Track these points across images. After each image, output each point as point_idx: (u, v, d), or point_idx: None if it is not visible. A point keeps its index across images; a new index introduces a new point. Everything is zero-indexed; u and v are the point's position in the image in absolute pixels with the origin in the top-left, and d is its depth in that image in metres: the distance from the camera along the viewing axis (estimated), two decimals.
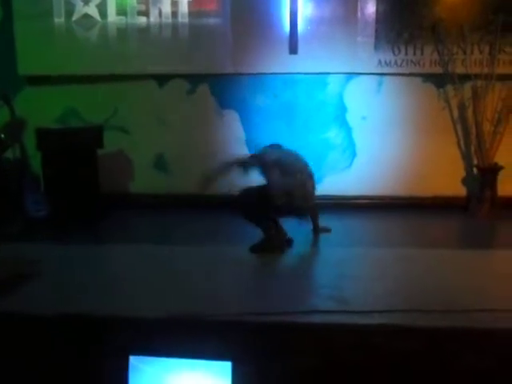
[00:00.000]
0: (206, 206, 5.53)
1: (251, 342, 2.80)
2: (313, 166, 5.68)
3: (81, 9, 5.58)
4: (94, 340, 2.88)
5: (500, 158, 5.40)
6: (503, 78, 5.35)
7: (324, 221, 4.63)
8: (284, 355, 2.82)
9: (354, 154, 5.77)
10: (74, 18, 5.60)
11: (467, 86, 5.46)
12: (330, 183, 5.75)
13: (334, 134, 5.78)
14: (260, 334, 2.86)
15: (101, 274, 3.75)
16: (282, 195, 4.04)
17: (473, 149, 5.60)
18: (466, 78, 5.43)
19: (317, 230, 4.62)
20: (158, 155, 5.88)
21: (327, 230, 4.67)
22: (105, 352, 2.78)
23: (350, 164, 5.79)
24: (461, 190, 5.71)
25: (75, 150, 4.99)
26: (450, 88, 5.54)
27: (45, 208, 4.88)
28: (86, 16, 5.60)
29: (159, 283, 3.56)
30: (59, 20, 5.60)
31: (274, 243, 4.18)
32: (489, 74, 5.32)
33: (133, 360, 2.39)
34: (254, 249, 4.15)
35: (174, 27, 5.62)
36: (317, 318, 3.02)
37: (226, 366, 2.33)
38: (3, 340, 2.94)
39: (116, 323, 2.91)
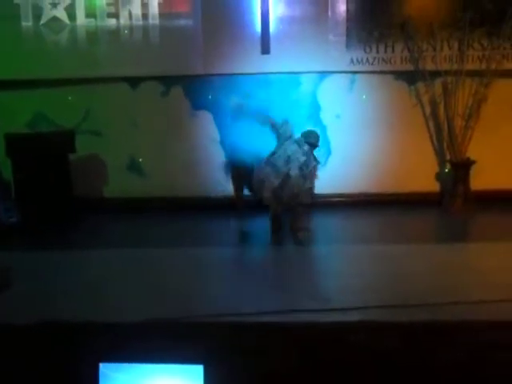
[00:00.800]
0: (180, 208, 5.50)
1: (224, 344, 2.78)
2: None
3: (49, 12, 5.50)
4: (64, 348, 2.83)
5: (472, 153, 5.47)
6: (472, 73, 5.42)
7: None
8: (258, 356, 2.80)
9: (328, 153, 5.79)
10: (42, 22, 5.52)
11: (438, 83, 5.52)
12: None
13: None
14: (232, 336, 2.84)
15: (73, 281, 3.67)
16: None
17: (445, 144, 5.67)
18: (436, 74, 5.49)
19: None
20: (131, 158, 5.82)
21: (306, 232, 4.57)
22: (74, 360, 2.72)
23: (325, 162, 5.79)
24: (434, 186, 5.77)
25: (46, 155, 4.90)
26: (421, 85, 5.60)
27: (16, 215, 4.79)
28: (55, 19, 5.52)
29: (132, 288, 3.51)
30: (27, 23, 5.52)
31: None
32: (458, 70, 5.39)
33: (103, 368, 2.33)
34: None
35: (145, 29, 5.58)
36: (293, 317, 3.01)
37: (198, 369, 2.29)
38: None
39: (86, 330, 2.86)
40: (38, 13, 5.49)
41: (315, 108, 5.75)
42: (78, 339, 2.84)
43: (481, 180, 5.48)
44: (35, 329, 2.92)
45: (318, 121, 5.77)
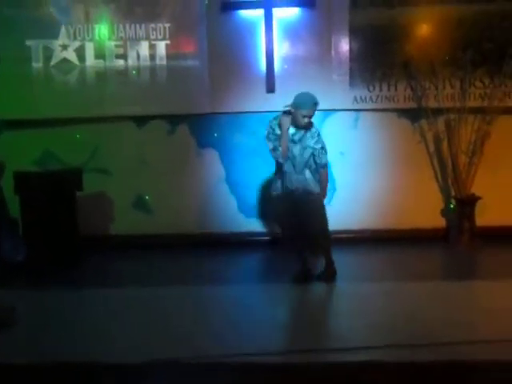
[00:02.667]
0: (186, 245, 5.51)
1: None
2: None
3: (59, 54, 5.65)
4: None
5: (476, 189, 5.49)
6: (475, 110, 5.48)
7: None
8: None
9: (333, 189, 5.81)
10: (52, 63, 5.65)
11: (441, 120, 5.59)
12: None
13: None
14: (240, 376, 2.80)
15: (79, 321, 3.67)
16: None
17: (450, 181, 5.69)
18: (439, 112, 5.56)
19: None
20: (138, 195, 5.86)
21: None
22: None
23: (330, 199, 5.82)
24: (440, 222, 5.77)
25: (54, 193, 4.94)
26: (424, 122, 5.67)
27: (23, 252, 4.80)
28: (65, 60, 5.66)
29: (137, 328, 3.50)
30: (37, 65, 5.65)
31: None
32: (461, 108, 5.46)
33: None
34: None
35: (152, 69, 5.70)
36: (302, 358, 2.99)
37: None
38: None
39: (89, 370, 2.84)
40: (48, 54, 5.63)
41: None
42: (81, 380, 2.81)
43: (486, 216, 5.48)
44: (38, 369, 2.90)
45: None
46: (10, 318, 3.57)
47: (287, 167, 4.27)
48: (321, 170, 4.35)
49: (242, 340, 3.24)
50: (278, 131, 4.23)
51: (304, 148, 4.23)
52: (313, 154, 4.26)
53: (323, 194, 4.43)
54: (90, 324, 3.59)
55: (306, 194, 4.28)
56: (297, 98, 4.14)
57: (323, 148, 4.30)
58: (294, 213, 4.27)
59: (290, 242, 4.43)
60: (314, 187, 4.32)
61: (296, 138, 4.23)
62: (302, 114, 4.09)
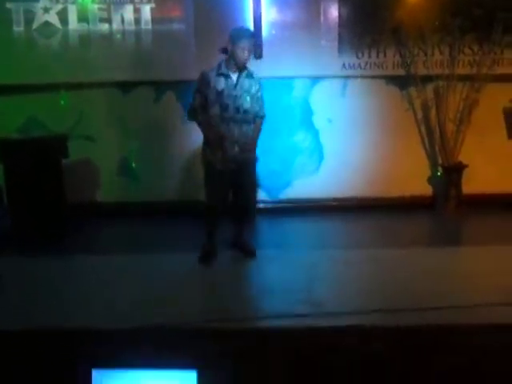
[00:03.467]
0: (172, 213, 5.50)
1: (217, 350, 2.77)
2: (281, 169, 5.78)
3: (41, 17, 5.48)
4: (56, 354, 2.81)
5: (464, 157, 5.51)
6: (463, 78, 5.46)
7: (294, 224, 4.64)
8: (251, 361, 2.80)
9: (321, 157, 5.81)
10: (34, 27, 5.50)
11: (429, 87, 5.56)
12: (299, 186, 5.78)
13: (301, 138, 5.81)
14: (225, 341, 2.83)
15: (65, 287, 3.67)
16: None
17: (437, 148, 5.71)
18: (428, 79, 5.53)
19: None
20: (124, 163, 5.81)
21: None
22: (67, 366, 2.70)
23: (318, 167, 5.82)
24: (427, 190, 5.81)
25: (39, 160, 4.85)
26: (412, 89, 5.64)
27: (8, 220, 4.76)
28: (47, 24, 5.50)
29: (125, 294, 3.50)
30: (19, 28, 5.49)
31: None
32: (450, 75, 5.43)
33: (96, 374, 2.32)
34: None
35: (137, 34, 5.57)
36: (285, 323, 3.02)
37: (192, 374, 2.29)
38: None
39: (79, 336, 2.85)
40: (30, 17, 5.47)
41: (307, 112, 5.77)
42: (70, 346, 2.82)
43: (473, 184, 5.52)
44: (26, 335, 2.90)
45: (311, 125, 5.79)
46: None
47: (224, 123, 3.96)
48: (257, 120, 4.10)
49: (227, 305, 3.26)
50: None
51: (243, 96, 3.97)
52: (253, 103, 4.02)
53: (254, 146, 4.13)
54: (78, 291, 3.59)
55: (243, 154, 4.02)
56: (232, 32, 3.95)
57: (261, 98, 4.09)
58: (227, 182, 4.09)
59: (210, 211, 4.21)
60: (252, 142, 4.06)
61: (228, 87, 3.95)
62: (240, 46, 3.86)
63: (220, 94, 3.95)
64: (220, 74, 3.98)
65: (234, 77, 3.99)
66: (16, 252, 4.41)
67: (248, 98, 4.01)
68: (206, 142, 4.10)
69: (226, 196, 4.19)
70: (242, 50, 3.88)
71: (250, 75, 4.06)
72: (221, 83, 3.96)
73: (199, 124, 4.08)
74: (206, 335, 2.85)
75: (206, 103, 3.99)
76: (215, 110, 3.97)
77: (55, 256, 4.32)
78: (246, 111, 4.01)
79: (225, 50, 4.01)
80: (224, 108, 3.96)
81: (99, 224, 5.32)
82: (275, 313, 3.12)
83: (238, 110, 3.98)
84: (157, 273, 3.91)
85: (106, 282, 3.76)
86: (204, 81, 3.99)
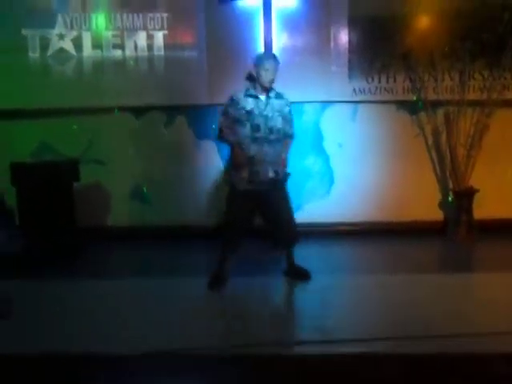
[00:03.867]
0: (183, 237, 5.50)
1: (225, 377, 2.74)
2: (292, 193, 5.76)
3: (56, 43, 5.59)
4: (64, 379, 2.79)
5: (474, 182, 5.48)
6: (474, 103, 5.46)
7: (304, 248, 4.61)
8: None
9: (331, 181, 5.81)
10: (48, 53, 5.60)
11: (440, 112, 5.57)
12: (309, 211, 5.77)
13: (311, 162, 5.82)
14: (237, 368, 2.80)
15: (76, 312, 3.66)
16: None
17: (448, 173, 5.69)
18: (438, 104, 5.54)
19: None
20: (135, 187, 5.84)
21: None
22: None
23: (329, 191, 5.82)
24: (438, 215, 5.77)
25: (50, 184, 4.91)
26: (423, 114, 5.65)
27: (20, 243, 4.78)
28: (62, 50, 5.60)
29: (134, 319, 3.50)
30: (34, 54, 5.59)
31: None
32: (460, 100, 5.44)
33: None
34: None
35: (150, 60, 5.66)
36: (296, 350, 2.99)
37: None
38: None
39: (90, 362, 2.83)
40: (45, 44, 5.58)
41: (318, 137, 5.79)
42: (76, 371, 2.81)
43: (484, 209, 5.48)
44: (35, 360, 2.90)
45: (321, 150, 5.81)
46: (7, 309, 3.56)
47: (250, 145, 4.00)
48: (287, 140, 4.20)
49: (238, 332, 3.24)
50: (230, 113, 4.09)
51: (274, 116, 4.04)
52: (284, 123, 4.10)
53: (286, 166, 4.18)
54: (87, 315, 3.58)
55: (276, 174, 4.05)
56: (256, 56, 4.16)
57: (291, 119, 4.20)
58: (253, 206, 4.09)
59: (227, 238, 4.18)
60: (283, 161, 4.12)
61: (259, 107, 4.02)
62: (264, 68, 3.99)
63: (250, 114, 4.02)
64: (248, 95, 4.07)
65: (263, 98, 4.07)
66: (26, 275, 4.42)
67: (280, 119, 4.08)
68: (233, 162, 4.13)
69: (247, 220, 4.17)
70: (266, 72, 3.99)
71: (280, 96, 4.15)
72: (250, 103, 4.04)
73: (228, 144, 4.15)
74: (215, 361, 2.83)
75: (233, 125, 4.06)
76: (246, 131, 4.02)
77: (65, 279, 4.33)
78: (278, 131, 4.07)
79: (250, 76, 4.13)
80: (255, 128, 4.02)
81: (110, 248, 5.34)
82: (287, 339, 3.09)
83: (271, 130, 4.04)
84: (168, 298, 3.89)
85: (115, 306, 3.75)
86: (232, 102, 4.08)
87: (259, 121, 4.01)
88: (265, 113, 4.03)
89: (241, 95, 4.07)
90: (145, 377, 2.68)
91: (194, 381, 2.62)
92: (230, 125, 4.07)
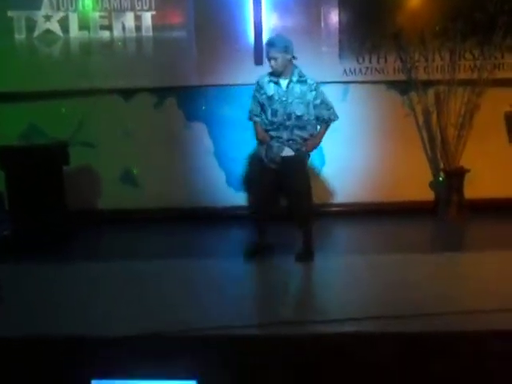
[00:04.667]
0: (174, 219, 5.49)
1: (218, 358, 2.75)
2: None
3: (42, 25, 5.50)
4: (55, 363, 2.79)
5: (465, 162, 5.50)
6: (464, 83, 5.45)
7: (295, 229, 4.61)
8: (253, 369, 2.78)
9: (322, 163, 5.80)
10: (35, 34, 5.51)
11: (430, 92, 5.55)
12: None
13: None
14: (226, 349, 2.81)
15: (65, 294, 3.66)
16: None
17: (438, 153, 5.69)
18: (428, 84, 5.52)
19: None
20: (125, 169, 5.81)
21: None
22: (66, 376, 2.69)
23: (319, 172, 5.81)
24: (429, 195, 5.79)
25: (40, 167, 4.87)
26: (413, 94, 5.63)
27: (9, 227, 4.76)
28: (48, 32, 5.52)
29: (124, 301, 3.49)
30: (20, 36, 5.51)
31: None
32: (450, 80, 5.42)
33: None
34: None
35: (138, 41, 5.59)
36: (289, 330, 3.00)
37: None
38: None
39: (78, 345, 2.82)
40: (31, 25, 5.48)
41: None
42: (69, 355, 2.80)
43: (474, 188, 5.50)
44: (26, 344, 2.89)
45: None
46: None
47: (269, 128, 4.12)
48: (322, 125, 4.21)
49: (228, 313, 3.25)
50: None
51: (294, 103, 4.03)
52: (313, 109, 4.10)
53: (309, 148, 4.22)
54: (78, 298, 3.58)
55: (289, 157, 4.13)
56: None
57: (323, 103, 4.14)
58: (273, 180, 4.18)
59: (259, 212, 4.36)
60: (302, 143, 4.14)
61: (279, 93, 4.05)
62: (267, 56, 4.03)
63: (270, 99, 4.08)
64: (270, 81, 4.10)
65: (285, 83, 4.07)
66: (17, 259, 4.40)
67: (301, 105, 4.06)
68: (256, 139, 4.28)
69: (271, 193, 4.26)
70: (270, 60, 4.03)
71: (303, 81, 4.09)
72: (271, 89, 4.08)
73: (257, 130, 4.24)
74: (207, 343, 2.83)
75: (258, 108, 4.16)
76: (268, 115, 4.11)
77: (56, 262, 4.32)
78: (298, 118, 4.07)
79: None
80: (273, 113, 4.08)
81: (100, 231, 5.32)
82: (279, 319, 3.10)
83: (289, 116, 4.06)
84: (157, 280, 3.90)
85: (106, 289, 3.75)
86: (257, 87, 4.16)
87: (278, 106, 4.06)
88: (284, 98, 4.05)
89: (265, 80, 4.12)
90: (133, 360, 2.67)
91: (181, 364, 2.61)
92: (256, 108, 4.16)
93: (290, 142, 4.11)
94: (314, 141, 4.21)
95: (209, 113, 5.74)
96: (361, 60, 5.61)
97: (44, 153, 5.01)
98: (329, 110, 4.17)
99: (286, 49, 3.99)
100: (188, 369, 2.42)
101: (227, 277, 4.00)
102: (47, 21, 5.51)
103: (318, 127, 4.23)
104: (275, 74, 4.07)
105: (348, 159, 5.73)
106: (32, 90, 5.53)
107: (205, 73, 5.56)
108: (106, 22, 5.54)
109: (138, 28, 5.54)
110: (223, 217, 5.65)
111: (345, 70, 5.63)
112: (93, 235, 5.23)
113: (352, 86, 5.71)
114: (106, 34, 5.55)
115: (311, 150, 4.26)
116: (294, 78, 4.06)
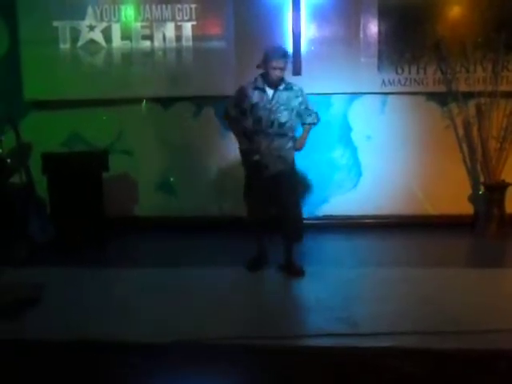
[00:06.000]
0: (210, 228, 5.53)
1: (252, 368, 2.75)
2: (319, 186, 5.74)
3: (86, 35, 5.65)
4: (90, 366, 2.84)
5: (507, 175, 5.36)
6: (507, 95, 5.34)
7: (331, 241, 4.59)
8: (290, 382, 2.77)
9: (359, 174, 5.76)
10: (79, 44, 5.66)
11: (471, 104, 5.45)
12: (337, 203, 5.73)
13: (339, 154, 5.78)
14: (264, 360, 2.81)
15: (105, 300, 3.73)
16: None
17: (479, 166, 5.56)
18: (469, 95, 5.42)
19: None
20: (163, 177, 5.88)
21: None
22: (101, 379, 2.73)
23: (356, 184, 5.77)
24: (468, 209, 5.65)
25: (80, 174, 5.00)
26: (454, 106, 5.53)
27: (51, 232, 4.87)
28: (92, 41, 5.66)
29: (163, 308, 3.54)
30: (65, 46, 5.66)
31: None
32: (493, 92, 5.31)
33: None
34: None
35: (178, 51, 5.67)
36: (325, 342, 2.98)
37: None
38: (6, 366, 2.90)
39: (120, 349, 2.87)
40: (75, 35, 5.64)
41: (346, 129, 5.74)
42: (105, 358, 2.85)
43: None
44: (65, 346, 2.95)
45: (349, 142, 5.75)
46: (38, 294, 3.65)
47: (256, 135, 4.04)
48: (305, 126, 4.20)
49: (262, 323, 3.25)
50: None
51: (279, 110, 4.00)
52: (298, 115, 4.11)
53: (300, 147, 4.20)
54: (115, 303, 3.64)
55: (280, 167, 4.06)
56: (266, 51, 4.03)
57: (308, 108, 4.15)
58: (265, 191, 4.11)
59: (253, 224, 4.28)
60: (289, 155, 4.11)
61: (264, 101, 4.01)
62: (272, 66, 3.92)
63: (254, 107, 4.03)
64: (256, 88, 4.07)
65: (270, 91, 4.04)
66: (57, 263, 4.50)
67: (285, 112, 4.05)
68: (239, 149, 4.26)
69: (263, 200, 4.17)
70: (274, 70, 3.95)
71: (289, 87, 4.09)
72: (256, 96, 4.05)
73: (235, 134, 4.25)
74: (244, 353, 2.84)
75: (239, 116, 4.11)
76: (249, 123, 4.06)
77: (94, 268, 4.40)
78: (281, 125, 4.05)
79: (260, 66, 4.10)
80: (257, 121, 4.03)
81: (137, 238, 5.39)
82: (314, 331, 3.09)
83: (272, 123, 4.03)
84: (194, 287, 3.93)
85: (142, 294, 3.81)
86: (242, 94, 4.10)
87: (262, 114, 4.01)
88: (268, 106, 4.01)
89: (249, 87, 4.08)
90: (172, 365, 2.70)
91: (218, 372, 2.63)
92: (237, 115, 4.13)
93: (275, 153, 4.04)
94: (301, 141, 4.20)
95: None
96: (400, 71, 5.56)
97: (85, 160, 5.15)
98: (311, 115, 4.18)
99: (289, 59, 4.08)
100: (225, 377, 2.43)
101: (262, 287, 4.00)
102: (91, 31, 5.65)
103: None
104: (269, 83, 4.02)
105: (385, 171, 5.67)
106: (75, 99, 5.67)
107: (243, 83, 5.58)
108: (147, 32, 5.64)
109: (179, 38, 5.63)
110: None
111: (383, 81, 5.58)
112: (130, 242, 5.31)
113: (391, 97, 5.65)
114: (147, 43, 5.65)
115: (301, 149, 4.22)
116: (282, 86, 4.04)
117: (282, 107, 4.03)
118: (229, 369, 2.66)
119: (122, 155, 5.78)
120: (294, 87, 4.11)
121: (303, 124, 4.21)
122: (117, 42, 5.66)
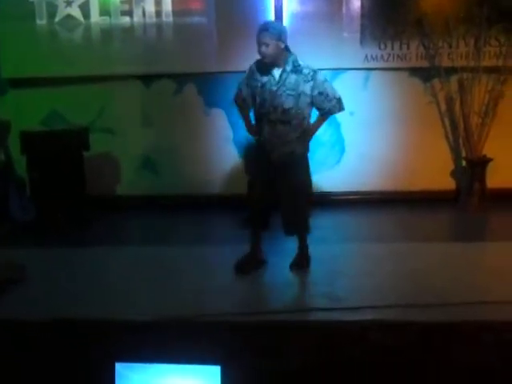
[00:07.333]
0: (194, 206, 5.50)
1: (241, 344, 2.77)
2: None
3: (63, 10, 5.51)
4: (80, 346, 2.83)
5: (488, 151, 5.40)
6: (489, 70, 5.34)
7: (315, 218, 4.58)
8: (275, 356, 2.79)
9: (342, 150, 5.75)
10: (56, 20, 5.52)
11: (454, 80, 5.45)
12: (320, 180, 5.70)
13: (322, 131, 5.73)
14: (249, 335, 2.82)
15: (87, 278, 3.71)
16: None
17: (461, 142, 5.60)
18: (452, 71, 5.42)
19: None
20: (145, 156, 5.82)
21: None
22: (90, 359, 2.72)
23: (339, 160, 5.77)
24: (450, 184, 5.71)
25: (60, 153, 4.91)
26: (436, 81, 5.53)
27: (31, 212, 4.81)
28: (69, 17, 5.52)
29: (147, 286, 3.53)
30: (41, 22, 5.52)
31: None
32: (475, 67, 5.31)
33: (119, 367, 2.31)
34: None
35: (159, 27, 5.56)
36: (309, 316, 3.00)
37: (215, 370, 2.27)
38: None
39: (102, 328, 2.86)
40: (52, 11, 5.49)
41: None
42: (93, 338, 2.84)
43: (497, 178, 5.42)
44: (50, 327, 2.93)
45: (332, 118, 5.67)
46: (20, 275, 3.61)
47: (260, 120, 3.68)
48: (318, 117, 3.75)
49: (246, 298, 3.26)
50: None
51: (284, 95, 3.55)
52: (311, 102, 3.63)
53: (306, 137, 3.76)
54: (98, 282, 3.63)
55: (285, 157, 3.66)
56: None
57: (323, 93, 3.63)
58: (268, 178, 3.70)
59: (253, 216, 3.85)
60: (297, 146, 3.68)
61: (270, 82, 3.59)
62: (257, 42, 3.53)
63: (262, 88, 3.63)
64: (261, 68, 3.65)
65: (278, 72, 3.60)
66: (38, 243, 4.46)
67: (291, 98, 3.57)
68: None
69: (265, 187, 3.74)
70: (259, 46, 3.54)
71: (298, 70, 3.60)
72: (264, 77, 3.64)
73: (241, 116, 3.95)
74: (229, 329, 2.84)
75: (248, 96, 3.77)
76: (255, 105, 3.71)
77: (76, 247, 4.37)
78: (284, 111, 3.58)
79: None
80: (261, 104, 3.64)
81: (119, 217, 5.35)
82: (297, 307, 3.10)
83: (275, 108, 3.58)
84: (177, 266, 3.92)
85: (125, 273, 3.80)
86: (250, 73, 3.74)
87: (267, 97, 3.59)
88: (274, 89, 3.57)
89: (258, 66, 3.69)
90: (157, 344, 2.70)
91: (205, 349, 2.63)
92: (247, 96, 3.78)
93: (274, 141, 3.63)
94: (310, 130, 3.76)
95: (228, 99, 5.70)
96: (383, 46, 5.52)
97: (65, 138, 5.06)
98: (330, 101, 3.66)
99: (280, 36, 3.52)
100: (212, 354, 2.43)
101: None
102: (68, 6, 5.51)
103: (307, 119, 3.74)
104: (265, 63, 3.58)
105: (368, 147, 5.67)
106: (53, 76, 5.55)
107: (225, 59, 5.52)
108: (126, 7, 5.51)
109: (159, 13, 5.51)
110: (241, 204, 5.64)
111: (366, 57, 5.55)
112: (112, 220, 5.26)
113: (373, 72, 5.62)
114: (126, 19, 5.53)
115: (309, 140, 3.80)
116: (288, 68, 3.57)
117: (288, 91, 3.56)
118: (213, 346, 2.66)
119: (103, 133, 5.69)
120: (305, 70, 3.60)
121: (319, 110, 3.72)
122: (95, 17, 5.52)
